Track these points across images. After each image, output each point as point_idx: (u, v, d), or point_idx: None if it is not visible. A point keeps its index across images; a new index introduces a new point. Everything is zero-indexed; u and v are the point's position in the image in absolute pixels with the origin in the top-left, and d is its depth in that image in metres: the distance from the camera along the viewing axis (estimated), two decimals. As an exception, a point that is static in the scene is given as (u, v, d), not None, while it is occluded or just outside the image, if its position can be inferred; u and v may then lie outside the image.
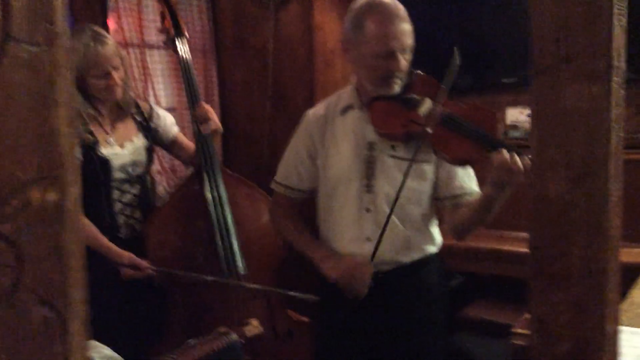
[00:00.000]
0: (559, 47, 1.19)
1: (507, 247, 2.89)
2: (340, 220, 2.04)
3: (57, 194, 0.32)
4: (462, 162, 1.93)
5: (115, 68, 2.35)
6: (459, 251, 2.80)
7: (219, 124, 2.59)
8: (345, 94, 2.13)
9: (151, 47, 2.98)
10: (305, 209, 2.20)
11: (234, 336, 1.69)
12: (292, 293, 2.38)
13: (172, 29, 2.61)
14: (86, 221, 2.27)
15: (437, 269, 2.10)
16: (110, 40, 2.38)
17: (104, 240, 2.35)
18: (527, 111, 3.48)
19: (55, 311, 0.30)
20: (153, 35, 3.03)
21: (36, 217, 0.31)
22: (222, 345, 1.62)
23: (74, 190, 0.33)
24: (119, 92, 2.39)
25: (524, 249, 2.78)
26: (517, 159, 1.71)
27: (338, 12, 3.27)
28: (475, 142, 1.81)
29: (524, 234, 2.94)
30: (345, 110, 2.09)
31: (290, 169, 2.16)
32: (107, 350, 1.29)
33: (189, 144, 2.67)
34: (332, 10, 3.27)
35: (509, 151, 1.74)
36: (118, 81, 2.37)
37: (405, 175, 1.88)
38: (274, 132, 3.35)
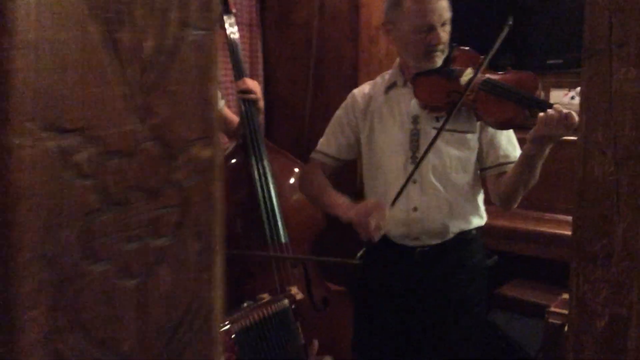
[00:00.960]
0: (611, 31, 1.21)
1: (543, 228, 2.91)
2: (387, 192, 2.10)
3: (210, 151, 0.38)
4: (506, 125, 1.96)
5: None
6: (493, 231, 2.83)
7: (261, 99, 2.65)
8: (390, 74, 2.21)
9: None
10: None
11: (286, 301, 1.77)
12: (335, 259, 2.43)
13: (220, 5, 2.67)
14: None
15: (479, 246, 2.15)
16: None
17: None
18: (571, 93, 3.46)
19: (207, 243, 0.36)
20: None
21: (196, 169, 0.37)
22: (276, 308, 1.69)
23: (220, 149, 0.40)
24: None
25: (560, 231, 2.80)
26: (559, 115, 1.75)
27: (383, -11, 3.28)
28: (517, 103, 1.85)
29: (561, 216, 2.95)
30: (390, 87, 2.17)
31: (330, 139, 2.25)
32: None
33: (233, 117, 2.74)
34: (377, -14, 3.28)
35: (550, 109, 1.78)
36: None
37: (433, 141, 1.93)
38: (316, 107, 3.40)
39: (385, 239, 2.03)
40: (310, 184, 2.28)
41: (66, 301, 0.33)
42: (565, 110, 1.75)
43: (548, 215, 2.95)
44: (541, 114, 1.79)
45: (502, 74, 1.99)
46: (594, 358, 1.37)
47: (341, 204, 2.09)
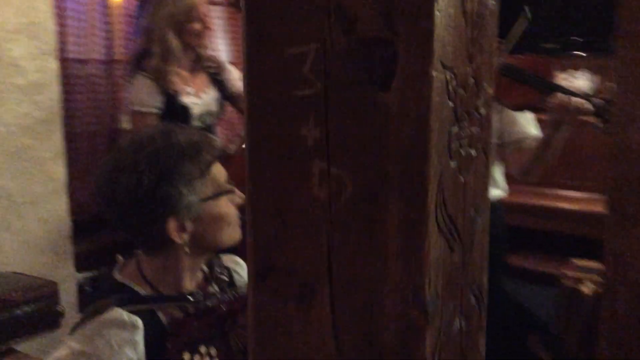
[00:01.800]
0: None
1: (543, 202, 3.09)
2: None
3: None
4: (522, 107, 2.13)
5: (207, 15, 2.56)
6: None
7: None
8: None
9: (213, 3, 3.13)
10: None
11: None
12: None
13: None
14: None
15: (498, 217, 2.31)
16: None
17: None
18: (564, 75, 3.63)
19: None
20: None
21: (487, 102, 0.51)
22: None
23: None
24: (206, 41, 2.59)
25: (560, 205, 2.98)
26: (572, 100, 1.92)
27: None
28: (534, 87, 2.02)
29: (561, 191, 3.13)
30: None
31: None
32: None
33: None
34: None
35: (564, 93, 1.95)
36: (210, 26, 2.58)
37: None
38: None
39: None
40: None
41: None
42: (569, 98, 1.91)
43: (548, 190, 3.13)
44: (552, 97, 1.95)
45: (519, 57, 2.15)
46: (627, 306, 1.55)
47: None
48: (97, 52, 2.64)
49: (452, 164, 0.45)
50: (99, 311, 1.28)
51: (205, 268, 1.45)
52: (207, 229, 1.34)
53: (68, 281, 2.38)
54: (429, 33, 0.41)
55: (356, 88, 0.43)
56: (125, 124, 2.82)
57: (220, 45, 3.28)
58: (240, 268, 1.57)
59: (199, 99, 2.64)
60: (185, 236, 1.31)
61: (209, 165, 1.33)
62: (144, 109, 2.52)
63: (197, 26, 2.55)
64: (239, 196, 1.39)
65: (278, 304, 0.48)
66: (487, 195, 0.53)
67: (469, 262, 0.49)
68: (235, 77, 2.83)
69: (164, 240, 1.30)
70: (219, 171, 1.37)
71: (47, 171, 2.29)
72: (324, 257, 0.46)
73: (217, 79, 2.74)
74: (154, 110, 2.53)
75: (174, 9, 2.49)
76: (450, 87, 0.43)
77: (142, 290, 1.34)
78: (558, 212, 2.99)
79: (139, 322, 1.26)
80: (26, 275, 2.05)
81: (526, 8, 2.04)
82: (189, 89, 2.62)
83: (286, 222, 0.47)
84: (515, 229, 3.10)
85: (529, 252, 3.14)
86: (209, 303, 1.36)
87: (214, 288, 1.44)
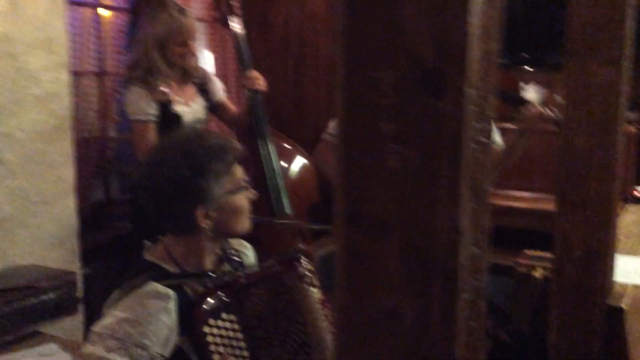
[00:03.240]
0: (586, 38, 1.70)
1: (497, 201, 3.42)
2: None
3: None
4: None
5: (193, 39, 2.76)
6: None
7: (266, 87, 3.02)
8: None
9: (198, 19, 3.35)
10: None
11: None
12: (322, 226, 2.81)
13: (226, 8, 3.01)
14: None
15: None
16: (191, 14, 2.78)
17: None
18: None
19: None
20: (199, 10, 3.42)
21: None
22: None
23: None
24: (192, 60, 2.80)
25: (513, 204, 3.31)
26: (537, 111, 2.25)
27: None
28: (502, 100, 2.35)
29: (514, 192, 3.47)
30: None
31: None
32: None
33: (232, 107, 3.09)
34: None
35: (529, 106, 2.28)
36: (193, 50, 2.77)
37: None
38: (295, 103, 3.77)
39: None
40: (327, 161, 2.70)
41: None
42: (540, 108, 2.24)
43: (502, 192, 3.47)
44: (521, 109, 2.28)
45: None
46: (573, 281, 1.86)
47: None
48: (90, 65, 2.83)
49: (475, 146, 0.72)
50: (136, 285, 1.51)
51: (219, 250, 1.71)
52: (226, 218, 1.60)
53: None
54: (464, 65, 0.68)
55: (419, 97, 0.70)
56: (113, 132, 3.02)
57: (205, 59, 3.50)
58: (247, 250, 1.83)
59: (189, 107, 2.86)
60: (209, 222, 1.56)
61: (232, 164, 1.60)
62: (143, 118, 2.73)
63: (180, 49, 2.74)
64: (252, 193, 1.67)
65: (362, 237, 0.74)
66: (491, 169, 0.80)
67: (482, 208, 0.76)
68: (219, 88, 3.06)
69: (192, 225, 1.55)
70: (238, 170, 1.64)
71: (58, 173, 2.48)
72: (394, 206, 0.72)
73: (204, 89, 2.97)
74: (152, 118, 2.74)
75: (160, 31, 2.67)
76: (475, 97, 0.70)
77: (170, 268, 1.58)
78: (512, 210, 3.33)
79: (172, 293, 1.50)
80: (44, 266, 2.24)
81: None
82: (178, 98, 2.84)
83: (368, 182, 0.74)
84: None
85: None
86: (226, 279, 1.61)
87: (227, 267, 1.70)
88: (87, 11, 2.81)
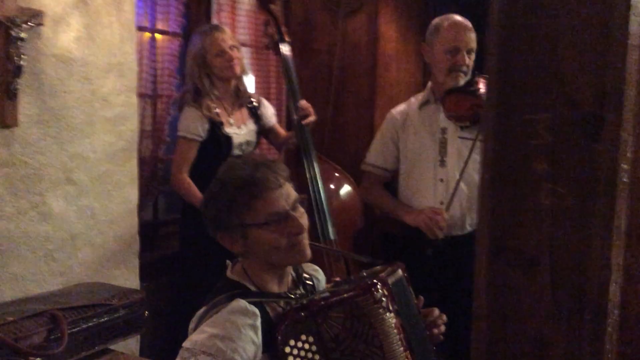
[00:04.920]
0: None
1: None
2: (418, 189, 2.63)
3: None
4: (467, 118, 2.51)
5: (232, 48, 2.82)
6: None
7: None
8: (423, 95, 2.72)
9: (243, 44, 3.42)
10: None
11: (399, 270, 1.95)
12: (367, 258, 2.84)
13: (276, 34, 3.07)
14: None
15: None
16: (227, 29, 2.87)
17: None
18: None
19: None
20: (244, 35, 3.49)
21: None
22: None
23: None
24: (237, 68, 2.85)
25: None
26: None
27: (397, 23, 3.77)
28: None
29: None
30: (423, 104, 2.72)
31: (377, 153, 2.80)
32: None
33: (282, 132, 3.15)
34: (392, 21, 3.76)
35: None
36: (235, 59, 2.83)
37: (471, 150, 2.43)
38: (335, 129, 3.81)
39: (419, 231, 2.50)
40: (371, 192, 2.85)
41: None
42: None
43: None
44: None
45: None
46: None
47: (406, 209, 2.57)
48: (145, 88, 2.90)
49: (628, 187, 0.75)
50: (223, 302, 1.54)
51: (293, 273, 1.73)
52: (255, 250, 1.60)
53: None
54: (622, 110, 0.72)
55: (575, 139, 0.74)
56: (162, 154, 3.07)
57: (252, 84, 3.57)
58: (318, 274, 1.85)
59: (240, 129, 2.92)
60: (238, 249, 1.60)
61: (255, 197, 1.54)
62: (188, 136, 2.79)
63: (219, 61, 2.81)
64: (291, 225, 1.56)
65: (509, 271, 0.78)
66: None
67: (633, 246, 0.79)
68: (272, 114, 3.12)
69: (228, 248, 1.61)
70: (276, 198, 1.56)
71: (124, 193, 2.54)
72: (547, 241, 0.76)
73: (256, 114, 3.02)
74: (197, 138, 2.80)
75: (198, 47, 2.78)
76: (629, 139, 0.73)
77: (251, 287, 1.61)
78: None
79: (257, 311, 1.53)
80: (109, 284, 2.27)
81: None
82: (231, 120, 2.90)
83: (517, 218, 0.77)
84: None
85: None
86: (304, 301, 1.63)
87: (301, 290, 1.72)
88: (145, 35, 2.87)
